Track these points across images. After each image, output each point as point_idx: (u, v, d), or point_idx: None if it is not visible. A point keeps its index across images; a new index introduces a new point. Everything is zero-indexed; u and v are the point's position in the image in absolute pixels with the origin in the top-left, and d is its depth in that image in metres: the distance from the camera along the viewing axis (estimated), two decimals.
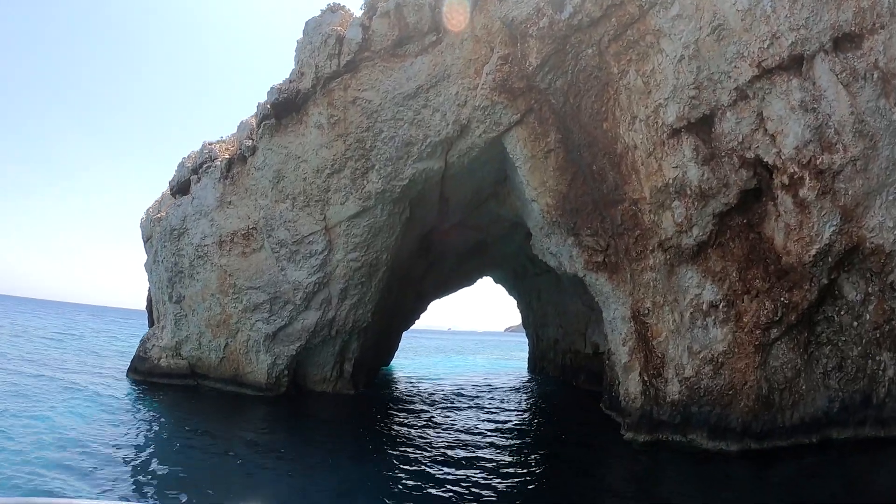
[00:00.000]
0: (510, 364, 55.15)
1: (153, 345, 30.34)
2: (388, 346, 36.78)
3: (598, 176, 19.96)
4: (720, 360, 18.18)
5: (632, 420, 19.59)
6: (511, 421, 23.95)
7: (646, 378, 19.55)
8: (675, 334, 18.88)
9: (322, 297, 25.73)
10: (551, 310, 37.30)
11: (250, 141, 27.05)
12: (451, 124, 22.78)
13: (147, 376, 29.44)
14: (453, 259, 36.05)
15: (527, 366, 45.55)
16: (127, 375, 30.69)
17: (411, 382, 35.50)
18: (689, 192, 18.08)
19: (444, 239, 32.06)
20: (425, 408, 26.25)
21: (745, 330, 18.01)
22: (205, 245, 27.37)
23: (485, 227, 31.57)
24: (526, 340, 47.66)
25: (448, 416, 24.19)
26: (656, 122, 18.56)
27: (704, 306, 18.40)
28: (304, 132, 25.05)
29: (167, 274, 29.32)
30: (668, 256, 18.71)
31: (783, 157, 16.78)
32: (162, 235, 29.48)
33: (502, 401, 29.05)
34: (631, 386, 19.96)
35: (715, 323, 18.29)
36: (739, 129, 17.45)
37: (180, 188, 29.96)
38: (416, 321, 41.81)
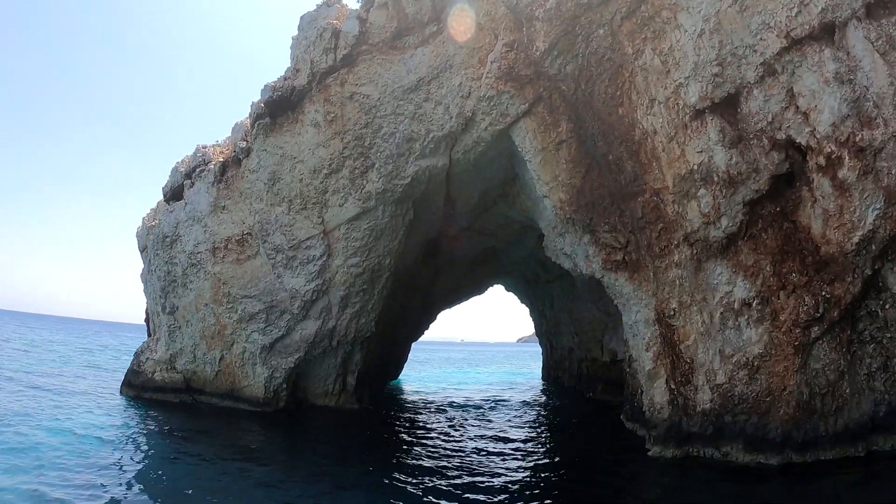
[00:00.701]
0: (523, 374, 52.94)
1: (147, 358, 28.73)
2: (396, 358, 35.00)
3: (615, 166, 18.18)
4: (756, 363, 16.33)
5: (658, 433, 17.73)
6: (526, 438, 22.11)
7: (673, 386, 17.71)
8: (704, 337, 17.04)
9: (321, 306, 24.03)
10: (565, 317, 35.45)
11: (244, 142, 25.49)
12: (454, 117, 21.13)
13: (141, 391, 27.85)
14: (462, 266, 34.32)
15: (541, 375, 43.63)
16: (121, 391, 29.08)
17: (420, 396, 33.63)
18: (716, 178, 16.29)
19: (452, 245, 30.36)
20: (434, 424, 24.44)
21: (783, 329, 16.16)
22: (198, 252, 25.77)
23: (494, 232, 29.84)
24: (539, 351, 45.77)
25: (459, 434, 22.37)
26: (677, 104, 16.80)
27: (736, 305, 16.57)
28: (300, 131, 23.47)
29: (160, 283, 27.71)
30: (695, 251, 16.90)
31: (818, 136, 14.96)
32: (154, 243, 27.89)
33: (516, 415, 27.20)
34: (656, 395, 18.12)
35: (749, 323, 16.46)
36: (768, 108, 15.65)
37: (174, 194, 28.37)
38: (425, 332, 40.09)
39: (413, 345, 39.61)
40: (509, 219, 28.05)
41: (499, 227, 29.23)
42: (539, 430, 23.90)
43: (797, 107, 15.31)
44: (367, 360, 26.68)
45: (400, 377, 41.49)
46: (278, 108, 23.92)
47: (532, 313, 42.82)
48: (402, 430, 23.07)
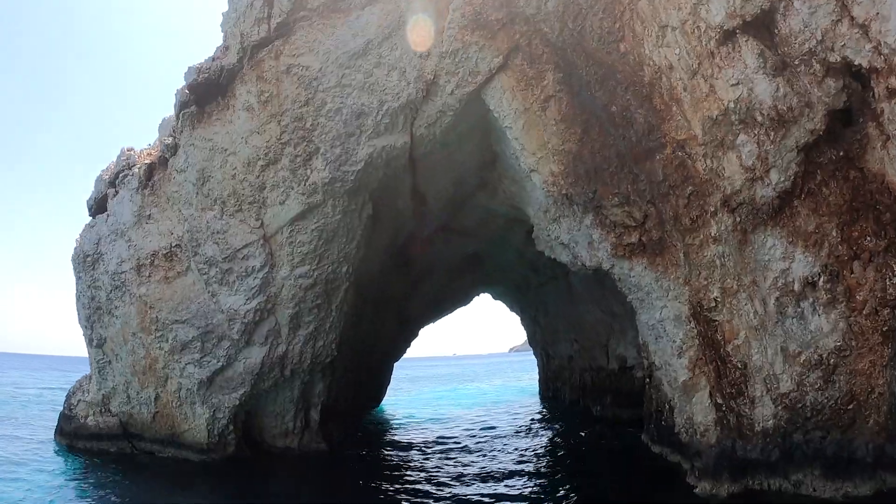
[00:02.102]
0: (518, 389, 47.66)
1: (79, 400, 23.97)
2: (373, 383, 30.25)
3: (622, 119, 13.71)
4: (831, 360, 11.90)
5: (705, 464, 13.22)
6: (534, 473, 17.50)
7: (720, 400, 13.21)
8: (759, 332, 12.54)
9: (267, 329, 19.37)
10: (562, 323, 30.91)
11: (171, 138, 20.96)
12: (412, 83, 16.68)
13: (74, 439, 23.02)
14: (442, 275, 29.76)
15: (537, 391, 38.90)
16: (54, 437, 24.31)
17: (405, 428, 28.76)
18: (759, 118, 11.88)
19: (427, 250, 25.82)
20: (421, 466, 19.73)
21: (863, 312, 11.79)
22: (122, 272, 21.11)
23: (473, 231, 25.35)
24: (533, 361, 40.97)
25: (451, 478, 17.74)
26: (697, 28, 12.40)
27: (797, 285, 12.12)
28: (232, 118, 18.88)
29: (85, 312, 23.06)
30: (738, 219, 12.44)
31: (884, 52, 10.65)
32: (76, 265, 23.25)
33: (517, 446, 22.41)
34: (697, 413, 13.63)
35: (816, 308, 12.03)
36: (815, 23, 11.31)
37: (98, 207, 23.71)
38: (407, 350, 35.40)
39: (403, 362, 34.97)
40: (490, 213, 23.60)
41: (479, 224, 24.76)
42: (549, 464, 19.25)
43: (852, 18, 11.04)
44: (332, 390, 22.02)
45: (383, 404, 36.73)
46: (206, 93, 19.35)
47: (524, 321, 38.23)
48: (381, 477, 18.45)
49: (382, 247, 21.36)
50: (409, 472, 18.63)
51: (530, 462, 19.00)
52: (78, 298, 23.89)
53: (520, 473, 17.12)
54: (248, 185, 18.71)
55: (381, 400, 35.87)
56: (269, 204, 18.71)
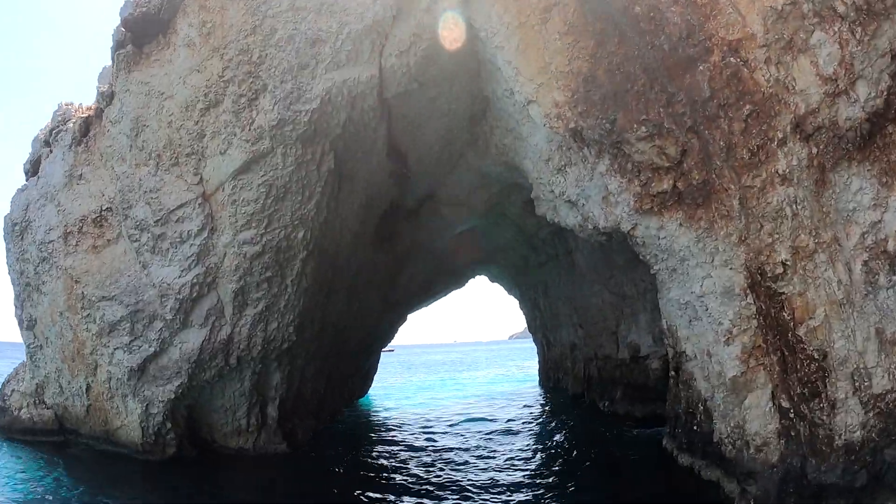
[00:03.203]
0: (516, 378, 43.25)
1: (13, 389, 20.39)
2: (353, 373, 26.34)
3: (650, 22, 9.76)
4: None
5: (763, 489, 9.35)
6: (527, 488, 13.63)
7: (785, 403, 9.33)
8: (844, 308, 8.66)
9: (207, 307, 15.54)
10: (564, 306, 26.97)
11: (108, 86, 17.19)
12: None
13: (8, 432, 19.40)
14: (432, 253, 25.84)
15: (537, 381, 34.93)
16: None
17: (388, 423, 24.70)
18: (841, 8, 8.04)
19: (413, 223, 22.01)
20: (403, 473, 15.81)
21: None
22: (49, 242, 17.41)
23: (465, 200, 21.45)
24: (534, 347, 36.90)
25: (440, 489, 13.93)
26: None
27: (891, 244, 8.30)
28: (171, 57, 15.09)
29: (15, 289, 19.43)
30: (816, 149, 8.56)
31: None
32: (5, 235, 19.58)
33: (510, 446, 18.44)
34: (752, 420, 9.78)
35: None
36: None
37: (33, 170, 19.94)
38: (394, 336, 31.50)
39: (400, 349, 30.98)
40: (483, 177, 19.73)
41: (471, 191, 20.87)
42: (548, 472, 15.33)
43: None
44: (294, 381, 18.18)
45: (370, 394, 32.84)
46: (143, 30, 15.51)
47: (522, 305, 34.23)
48: (345, 481, 14.69)
49: (354, 213, 17.49)
50: (382, 476, 14.87)
51: (533, 466, 15.16)
52: (9, 274, 20.20)
53: (511, 484, 13.30)
54: (185, 133, 14.95)
55: (367, 390, 32.03)
56: (208, 155, 14.94)
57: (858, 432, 8.57)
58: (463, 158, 18.87)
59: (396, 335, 31.88)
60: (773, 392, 9.44)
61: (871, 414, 8.50)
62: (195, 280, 15.14)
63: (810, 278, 8.76)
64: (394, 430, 22.66)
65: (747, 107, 8.81)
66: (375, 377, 32.96)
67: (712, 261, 9.79)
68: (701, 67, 9.10)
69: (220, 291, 15.61)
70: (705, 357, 10.81)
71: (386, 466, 16.29)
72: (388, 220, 21.08)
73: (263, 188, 14.63)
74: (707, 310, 10.18)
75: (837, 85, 8.27)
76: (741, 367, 9.67)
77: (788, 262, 8.80)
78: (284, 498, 14.02)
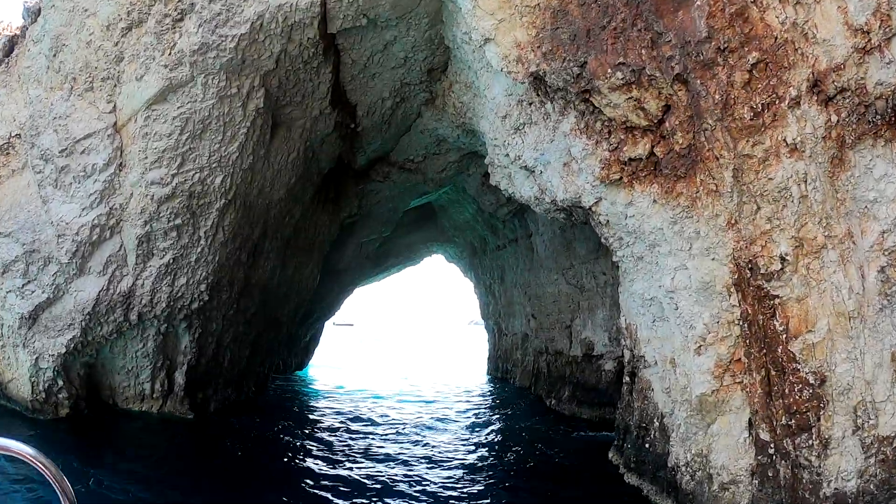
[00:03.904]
0: (467, 365, 41.01)
1: None
2: (288, 343, 23.97)
3: None
4: None
5: None
6: (448, 482, 11.59)
7: (765, 435, 7.22)
8: (851, 322, 6.56)
9: (108, 253, 13.19)
10: (519, 294, 24.83)
11: (35, 1, 14.68)
12: None
13: None
14: (384, 224, 23.60)
15: (486, 370, 32.81)
16: None
17: (316, 400, 22.52)
18: None
19: (363, 186, 19.77)
20: (313, 455, 13.68)
21: None
22: None
23: (420, 166, 19.19)
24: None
25: (337, 465, 11.80)
26: None
27: None
28: None
29: None
30: (836, 118, 6.43)
31: None
32: None
33: (440, 438, 16.38)
34: (720, 450, 7.69)
35: None
36: None
37: None
38: (340, 308, 29.27)
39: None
40: (440, 142, 17.51)
41: (427, 157, 18.62)
42: (482, 473, 13.33)
43: None
44: (207, 346, 15.86)
45: (309, 368, 30.54)
46: None
47: (477, 289, 31.95)
48: (242, 452, 12.52)
49: (290, 165, 15.16)
50: (282, 457, 12.70)
51: (452, 464, 13.09)
52: None
53: (430, 481, 11.21)
54: (103, 54, 12.55)
55: (306, 363, 29.74)
56: (124, 80, 12.56)
57: (854, 481, 6.56)
58: (419, 119, 16.66)
59: (359, 310, 29.60)
60: (750, 419, 7.37)
61: (872, 460, 6.49)
62: (96, 221, 12.76)
63: (814, 280, 6.68)
64: (320, 407, 20.46)
65: (753, 54, 6.66)
66: (324, 351, 30.58)
67: (690, 248, 7.67)
68: (698, 2, 6.93)
69: (123, 237, 13.25)
70: (668, 366, 8.76)
71: (292, 447, 14.07)
72: (334, 180, 18.83)
73: (179, 122, 12.28)
74: (677, 309, 8.08)
75: (870, 39, 6.17)
76: (713, 384, 7.59)
77: (788, 257, 6.70)
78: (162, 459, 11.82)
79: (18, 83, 14.56)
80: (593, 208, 9.04)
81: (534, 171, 10.43)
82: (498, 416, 19.42)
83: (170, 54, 11.94)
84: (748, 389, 7.35)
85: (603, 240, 9.81)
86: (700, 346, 7.65)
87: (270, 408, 19.36)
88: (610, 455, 12.14)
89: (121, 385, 15.33)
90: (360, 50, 13.67)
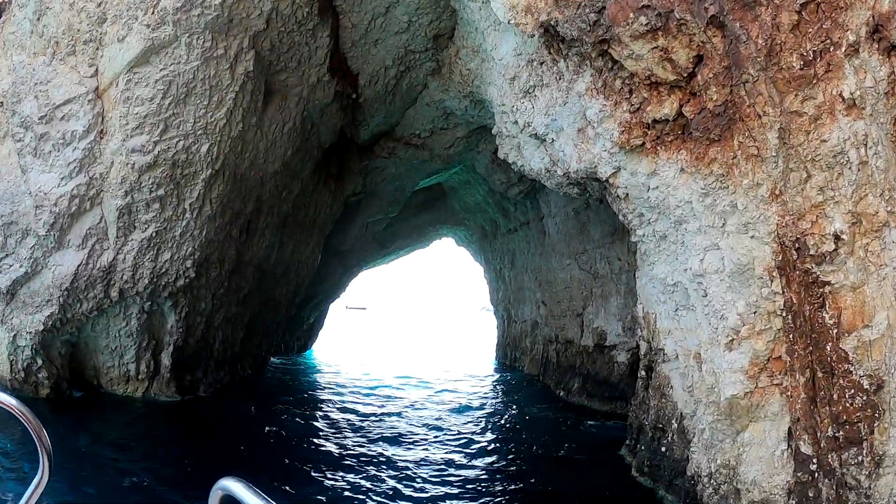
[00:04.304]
0: (476, 353, 39.63)
1: None
2: (286, 325, 22.79)
3: None
4: None
5: None
6: (452, 479, 10.50)
7: (807, 448, 6.03)
8: None
9: (88, 226, 12.16)
10: (530, 280, 23.66)
11: None
12: None
13: None
14: (391, 204, 22.48)
15: (495, 356, 31.68)
16: None
17: (319, 384, 21.47)
18: None
19: (367, 161, 18.65)
20: (316, 443, 12.62)
21: None
22: None
23: (427, 142, 18.03)
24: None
25: (353, 472, 10.72)
26: None
27: None
28: None
29: None
30: None
31: None
32: None
33: (446, 424, 15.33)
34: (751, 463, 6.52)
35: None
36: None
37: None
38: (345, 290, 28.18)
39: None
40: (448, 115, 16.35)
41: (434, 132, 17.46)
42: (480, 459, 12.24)
43: None
44: (194, 326, 14.82)
45: (314, 352, 29.53)
46: None
47: (487, 274, 30.71)
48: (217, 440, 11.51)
49: (285, 136, 14.05)
50: (272, 444, 11.67)
51: (458, 452, 12.03)
52: None
53: (434, 470, 10.14)
54: (86, 16, 11.53)
55: (310, 345, 28.73)
56: (106, 43, 11.52)
57: None
58: (425, 91, 15.51)
59: (372, 294, 28.49)
60: (789, 429, 6.22)
61: None
62: (76, 191, 11.73)
63: (873, 265, 5.50)
64: (320, 390, 19.49)
65: None
66: (333, 334, 29.38)
67: (723, 224, 6.49)
68: None
69: (103, 208, 12.22)
70: (692, 361, 7.62)
71: (286, 429, 13.01)
72: (336, 155, 17.75)
73: (162, 85, 11.20)
74: (706, 296, 6.91)
75: None
76: (746, 385, 6.43)
77: (843, 236, 5.51)
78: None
79: (3, 50, 13.54)
80: (611, 180, 7.87)
81: (545, 140, 9.25)
82: (512, 408, 18.18)
83: (152, 13, 10.88)
84: (788, 393, 6.17)
85: (621, 217, 8.64)
86: (732, 340, 6.49)
87: (267, 390, 18.34)
88: (622, 452, 11.04)
89: (105, 365, 14.33)
90: (361, 12, 12.56)
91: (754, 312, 6.31)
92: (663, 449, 8.69)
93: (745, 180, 6.15)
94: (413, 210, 26.92)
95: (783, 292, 6.06)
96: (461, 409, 16.96)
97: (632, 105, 7.11)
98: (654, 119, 6.91)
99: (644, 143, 7.10)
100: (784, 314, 6.11)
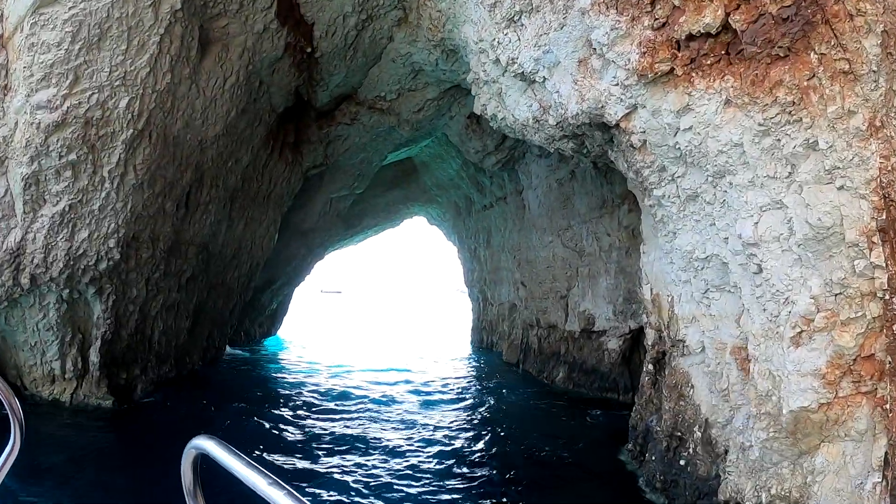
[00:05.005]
0: (452, 336, 37.60)
1: None
2: (242, 311, 20.52)
3: None
4: None
5: None
6: (418, 480, 8.73)
7: None
8: None
9: None
10: (507, 259, 21.72)
11: None
12: None
13: None
14: (356, 179, 20.49)
15: (471, 340, 29.83)
16: None
17: (281, 373, 19.43)
18: None
19: (329, 129, 16.69)
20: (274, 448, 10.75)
21: None
22: None
23: (395, 107, 16.06)
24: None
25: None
26: None
27: None
28: None
29: None
30: None
31: None
32: None
33: (413, 417, 13.60)
34: (826, 497, 4.86)
35: None
36: None
37: None
38: (309, 274, 26.11)
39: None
40: (416, 72, 14.40)
41: (401, 94, 15.51)
42: (451, 459, 10.50)
43: None
44: (125, 316, 12.78)
45: (281, 336, 27.49)
46: None
47: (461, 254, 28.67)
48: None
49: (228, 94, 12.03)
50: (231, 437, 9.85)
51: (433, 460, 10.28)
52: None
53: (393, 477, 8.36)
54: None
55: (273, 332, 26.68)
56: None
57: None
58: (391, 44, 13.56)
59: (348, 277, 26.45)
60: (886, 455, 4.51)
61: None
62: None
63: None
64: (283, 381, 17.51)
65: None
66: (306, 319, 27.25)
67: (791, 172, 4.71)
68: None
69: (9, 179, 10.17)
70: (727, 357, 5.87)
71: (237, 431, 11.12)
72: (293, 122, 15.79)
73: (70, 27, 9.14)
74: (760, 272, 5.15)
75: None
76: (821, 394, 4.65)
77: None
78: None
79: None
80: (622, 124, 6.06)
81: (534, 81, 7.40)
82: (490, 401, 16.28)
83: None
84: (887, 406, 4.45)
85: (631, 175, 6.83)
86: (801, 332, 4.72)
87: (220, 384, 16.35)
88: (624, 458, 9.33)
89: (27, 364, 12.30)
90: None
91: (838, 294, 4.54)
92: (682, 462, 6.96)
93: (830, 108, 4.35)
94: (382, 186, 24.96)
95: (886, 266, 4.30)
96: (433, 404, 15.10)
97: (656, 19, 5.29)
98: (688, 35, 5.09)
99: (673, 70, 5.28)
100: (886, 296, 4.36)
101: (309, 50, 13.05)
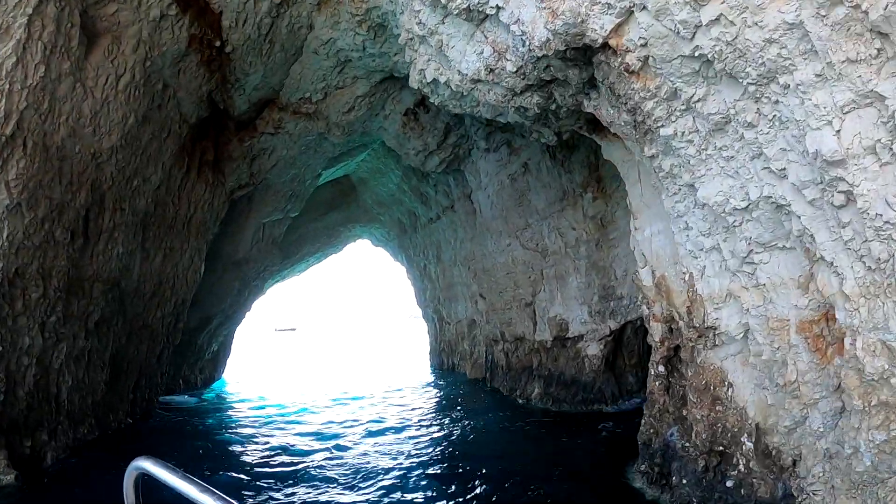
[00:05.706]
0: (410, 363, 35.20)
1: None
2: (171, 356, 18.24)
3: None
4: None
5: None
6: None
7: None
8: None
9: None
10: (461, 272, 19.92)
11: None
12: None
13: None
14: (289, 201, 18.65)
15: (430, 363, 27.80)
16: None
17: (223, 422, 17.33)
18: None
19: (252, 142, 14.93)
20: None
21: None
22: None
23: (322, 111, 14.37)
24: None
25: None
26: None
27: None
28: None
29: None
30: None
31: None
32: None
33: (382, 461, 11.73)
34: None
35: None
36: None
37: None
38: (248, 311, 23.97)
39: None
40: (343, 63, 12.72)
41: (328, 92, 13.81)
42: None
43: None
44: (17, 370, 10.72)
45: (221, 382, 25.11)
46: None
47: (410, 273, 26.71)
48: None
49: (121, 93, 10.15)
50: None
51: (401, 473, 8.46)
52: None
53: None
54: None
55: (216, 377, 24.41)
56: None
57: None
58: (311, 33, 11.94)
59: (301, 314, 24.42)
60: None
61: None
62: None
63: None
64: (229, 432, 15.39)
65: None
66: (255, 360, 24.97)
67: (880, 49, 3.21)
68: None
69: None
70: (791, 338, 4.37)
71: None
72: (211, 136, 14.03)
73: None
74: (848, 203, 3.64)
75: None
76: None
77: None
78: None
79: None
80: (613, 41, 4.53)
81: (484, 17, 5.83)
82: (472, 430, 14.49)
83: None
84: None
85: (622, 122, 5.28)
86: None
87: (153, 442, 14.16)
88: (633, 481, 7.72)
89: None
90: None
91: None
92: (730, 484, 5.38)
93: None
94: (319, 209, 23.17)
95: None
96: (397, 444, 13.30)
97: None
98: None
99: None
100: None
101: (218, 44, 11.35)
